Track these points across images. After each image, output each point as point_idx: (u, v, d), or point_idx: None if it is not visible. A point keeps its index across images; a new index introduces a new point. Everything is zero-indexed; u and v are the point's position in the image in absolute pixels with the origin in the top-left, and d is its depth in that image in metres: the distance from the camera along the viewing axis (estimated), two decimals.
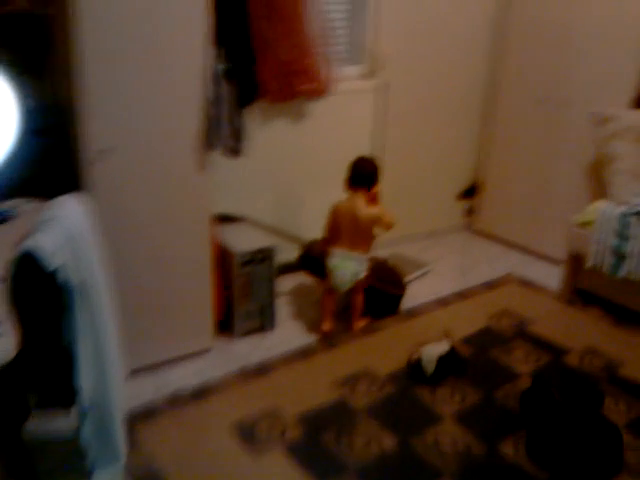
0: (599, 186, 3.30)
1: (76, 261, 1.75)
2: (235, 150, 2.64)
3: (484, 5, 3.80)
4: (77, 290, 1.76)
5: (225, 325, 2.83)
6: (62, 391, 1.92)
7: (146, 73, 2.20)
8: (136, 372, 2.49)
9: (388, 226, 2.86)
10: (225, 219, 2.92)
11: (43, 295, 1.65)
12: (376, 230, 2.87)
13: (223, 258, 2.75)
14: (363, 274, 2.85)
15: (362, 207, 2.78)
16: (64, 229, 1.68)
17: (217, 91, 2.43)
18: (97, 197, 2.17)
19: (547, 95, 3.65)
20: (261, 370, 2.58)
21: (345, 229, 2.82)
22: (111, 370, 1.95)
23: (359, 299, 2.94)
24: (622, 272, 2.97)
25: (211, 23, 2.32)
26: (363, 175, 2.80)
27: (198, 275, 2.56)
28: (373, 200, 2.84)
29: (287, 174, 3.28)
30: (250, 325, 2.84)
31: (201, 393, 2.43)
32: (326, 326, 2.90)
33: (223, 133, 2.48)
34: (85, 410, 1.81)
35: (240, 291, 2.75)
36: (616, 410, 2.42)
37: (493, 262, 3.79)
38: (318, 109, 3.25)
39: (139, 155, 2.28)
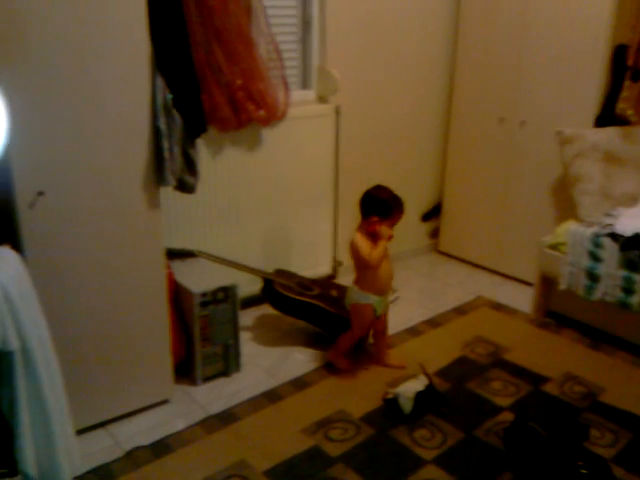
0: (565, 206, 3.24)
1: (15, 323, 1.56)
2: (189, 185, 2.45)
3: (436, 26, 3.73)
4: (16, 355, 1.58)
5: (185, 371, 2.62)
6: (3, 462, 1.74)
7: (83, 106, 2.00)
8: (89, 430, 2.27)
9: (363, 261, 2.57)
10: (176, 255, 2.72)
11: None
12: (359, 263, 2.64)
13: (180, 298, 2.55)
14: (348, 302, 2.70)
15: (354, 234, 2.63)
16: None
17: (168, 122, 2.25)
18: (35, 246, 1.97)
19: (507, 114, 3.59)
20: (226, 420, 2.38)
21: None
22: (58, 435, 1.77)
23: (347, 335, 2.75)
24: (596, 294, 2.89)
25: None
26: (361, 202, 2.64)
27: (152, 320, 2.35)
28: (370, 231, 2.58)
29: (242, 204, 3.11)
30: (212, 369, 2.63)
31: (161, 450, 2.22)
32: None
33: (175, 167, 2.29)
34: None
35: (200, 333, 2.54)
36: (603, 442, 2.32)
37: (462, 284, 3.69)
38: (272, 136, 3.10)
39: (80, 195, 2.07)
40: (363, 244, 2.57)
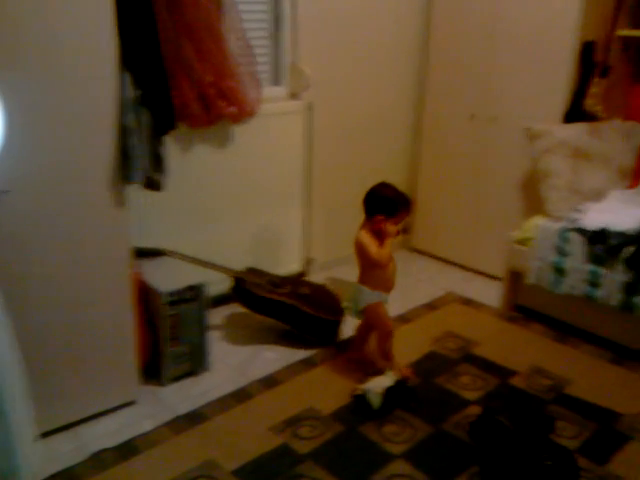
0: (534, 202, 3.27)
1: None
2: (157, 182, 2.43)
3: (408, 22, 3.74)
4: None
5: (152, 372, 2.60)
6: None
7: (48, 103, 1.96)
8: (53, 433, 2.24)
9: (372, 260, 2.51)
10: (144, 254, 2.69)
11: None
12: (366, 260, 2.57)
13: (147, 298, 2.53)
14: (361, 305, 2.60)
15: (358, 232, 2.58)
16: None
17: (135, 119, 2.22)
18: None
19: (478, 111, 3.61)
20: (194, 420, 2.36)
21: None
22: (18, 439, 1.74)
23: (378, 344, 2.69)
24: (562, 288, 2.93)
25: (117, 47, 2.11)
26: (365, 201, 2.58)
27: (118, 320, 2.32)
28: (375, 229, 2.53)
29: (212, 201, 3.09)
30: (180, 370, 2.61)
31: (128, 452, 2.19)
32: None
33: (143, 164, 2.26)
34: None
35: (167, 333, 2.52)
36: (568, 433, 2.35)
37: (433, 280, 3.70)
38: (243, 133, 3.08)
39: (45, 194, 2.03)
40: (370, 243, 2.51)
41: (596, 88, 3.26)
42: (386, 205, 2.50)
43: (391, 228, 2.51)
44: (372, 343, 2.78)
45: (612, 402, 2.54)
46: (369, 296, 2.58)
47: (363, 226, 2.57)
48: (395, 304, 3.35)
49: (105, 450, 2.19)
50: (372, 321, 2.66)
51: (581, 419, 2.43)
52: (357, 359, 2.78)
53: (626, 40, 3.39)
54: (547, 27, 3.22)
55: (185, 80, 2.73)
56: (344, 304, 2.79)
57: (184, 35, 2.69)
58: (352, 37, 3.50)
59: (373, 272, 2.57)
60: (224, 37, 2.82)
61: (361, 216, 3.85)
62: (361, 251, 2.55)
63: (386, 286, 2.62)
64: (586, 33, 3.18)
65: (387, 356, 2.68)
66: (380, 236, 2.52)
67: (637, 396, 2.59)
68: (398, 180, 4.03)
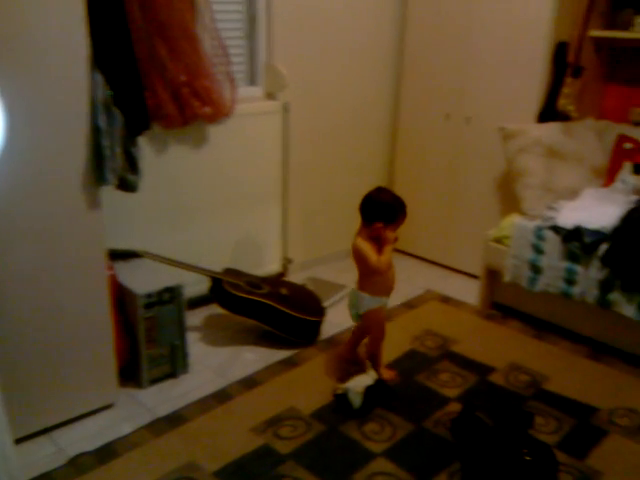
0: (510, 200, 3.30)
1: None
2: (131, 184, 2.40)
3: (384, 22, 3.76)
4: None
5: (130, 374, 2.57)
6: None
7: (18, 104, 1.92)
8: (30, 438, 2.20)
9: (371, 267, 2.46)
10: (119, 256, 2.66)
11: None
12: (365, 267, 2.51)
13: (124, 300, 2.50)
14: (361, 310, 2.57)
15: (356, 238, 2.52)
16: None
17: (108, 120, 2.19)
18: None
19: (453, 111, 3.64)
20: (174, 422, 2.34)
21: None
22: None
23: (370, 345, 2.67)
24: (539, 286, 2.97)
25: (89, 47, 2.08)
26: (362, 207, 2.50)
27: (95, 322, 2.28)
28: (373, 236, 2.48)
29: (189, 202, 3.06)
30: (159, 371, 2.58)
31: (106, 455, 2.16)
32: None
33: (116, 165, 2.24)
34: None
35: (145, 335, 2.49)
36: (547, 428, 2.38)
37: (411, 279, 3.72)
38: (219, 133, 3.06)
39: (17, 196, 1.99)
40: (369, 251, 2.46)
41: (569, 88, 3.31)
42: (385, 212, 2.45)
43: (390, 235, 2.47)
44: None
45: (589, 397, 2.57)
46: (368, 301, 2.55)
47: (360, 232, 2.52)
48: None
49: (83, 454, 2.15)
50: (370, 325, 2.63)
51: (559, 414, 2.46)
52: (348, 359, 2.77)
53: (598, 41, 3.45)
54: (521, 28, 3.26)
55: (159, 80, 2.71)
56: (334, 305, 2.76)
57: (157, 35, 2.67)
58: (328, 37, 3.50)
59: (373, 278, 2.52)
60: (198, 37, 2.80)
61: (340, 216, 3.89)
62: (360, 258, 2.50)
63: (386, 291, 2.60)
64: (559, 34, 3.23)
65: (376, 358, 2.68)
66: (378, 242, 2.48)
67: (613, 391, 2.63)
68: (375, 180, 4.07)
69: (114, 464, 2.12)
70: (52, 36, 1.95)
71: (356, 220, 3.97)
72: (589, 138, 3.36)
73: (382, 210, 2.45)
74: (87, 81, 2.07)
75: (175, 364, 2.62)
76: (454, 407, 2.47)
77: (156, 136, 2.82)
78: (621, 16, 3.38)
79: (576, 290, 2.85)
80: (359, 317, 2.61)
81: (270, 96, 3.36)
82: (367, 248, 2.47)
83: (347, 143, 3.80)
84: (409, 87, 3.86)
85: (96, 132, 2.14)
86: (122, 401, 2.45)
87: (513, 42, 3.30)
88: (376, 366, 2.66)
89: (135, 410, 2.41)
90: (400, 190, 4.03)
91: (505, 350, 2.93)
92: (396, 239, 2.50)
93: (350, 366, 2.71)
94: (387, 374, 2.66)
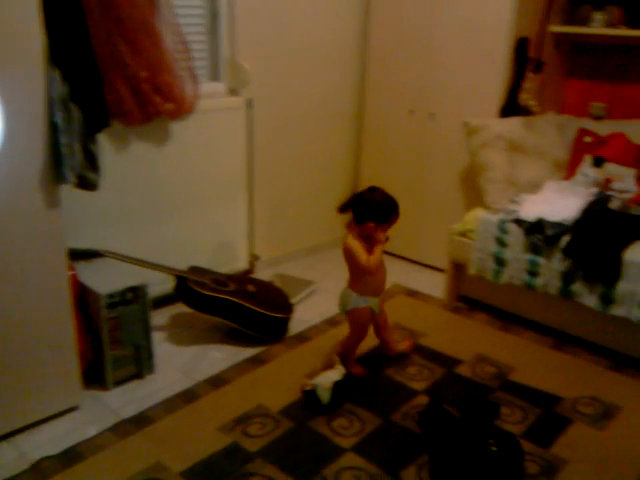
0: (474, 194, 3.34)
1: None
2: (91, 182, 2.36)
3: (348, 18, 3.76)
4: None
5: (94, 375, 2.52)
6: None
7: None
8: None
9: (361, 267, 2.45)
10: (80, 255, 2.60)
11: None
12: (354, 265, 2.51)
13: (86, 301, 2.45)
14: (347, 307, 2.58)
15: (346, 237, 2.50)
16: None
17: (66, 117, 2.14)
18: None
19: (417, 106, 3.66)
20: (139, 423, 2.30)
21: None
22: None
23: (347, 340, 2.68)
24: (503, 278, 3.01)
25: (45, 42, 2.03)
26: (354, 206, 2.47)
27: (56, 324, 2.23)
28: (363, 235, 2.46)
29: (152, 200, 3.02)
30: (124, 372, 2.54)
31: (71, 459, 2.11)
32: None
33: (75, 163, 2.19)
34: None
35: (109, 336, 2.45)
36: (513, 418, 2.41)
37: None
38: (181, 129, 3.02)
39: None
40: (359, 250, 2.44)
41: (530, 83, 3.36)
42: (377, 212, 2.42)
43: (381, 235, 2.45)
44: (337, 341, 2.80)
45: (554, 386, 2.61)
46: (354, 300, 2.55)
47: (350, 230, 2.50)
48: None
49: (47, 458, 2.10)
50: (352, 323, 2.63)
51: (525, 404, 2.50)
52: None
53: (558, 36, 3.51)
54: (482, 24, 3.29)
55: (119, 76, 2.66)
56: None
57: (117, 30, 2.62)
58: (292, 33, 3.49)
59: (362, 277, 2.51)
60: (159, 32, 2.76)
61: (307, 212, 3.89)
62: (350, 257, 2.49)
63: (375, 291, 2.58)
64: (520, 30, 3.27)
65: (349, 355, 2.67)
66: (369, 241, 2.47)
67: (577, 380, 2.68)
68: (340, 176, 4.08)
69: (79, 468, 2.08)
70: (5, 31, 1.89)
71: (322, 217, 3.99)
72: (550, 132, 3.42)
73: (374, 210, 2.42)
74: (43, 77, 2.02)
75: (140, 364, 2.58)
76: (422, 400, 2.48)
77: (117, 133, 2.77)
78: (580, 12, 3.45)
79: (539, 282, 2.89)
80: (346, 313, 2.62)
81: (233, 92, 3.33)
82: (357, 247, 2.45)
83: (313, 139, 3.80)
84: (374, 83, 3.87)
85: (54, 129, 2.09)
86: (86, 403, 2.41)
87: (475, 38, 3.34)
88: (346, 362, 2.65)
89: (100, 412, 2.37)
90: (366, 185, 4.03)
91: (471, 342, 2.96)
92: (387, 239, 2.48)
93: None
94: (356, 370, 2.66)
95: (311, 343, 2.92)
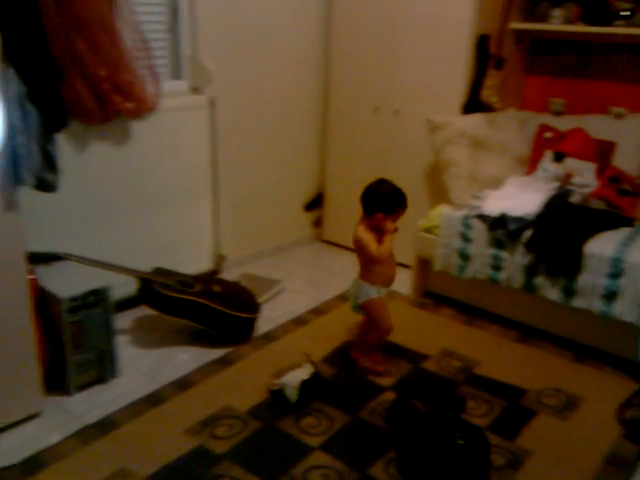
0: (438, 191, 3.36)
1: None
2: (50, 183, 2.30)
3: (310, 16, 3.76)
4: None
5: (57, 381, 2.47)
6: None
7: None
8: None
9: (371, 257, 2.53)
10: (40, 259, 2.54)
11: None
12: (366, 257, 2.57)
13: (47, 305, 2.39)
14: (361, 300, 2.63)
15: (357, 229, 2.57)
16: None
17: (23, 117, 2.09)
18: None
19: (382, 104, 3.67)
20: (104, 428, 2.26)
21: None
22: None
23: (369, 332, 2.72)
24: (468, 273, 3.04)
25: None
26: (363, 198, 2.56)
27: (16, 329, 2.18)
28: (373, 226, 2.54)
29: (114, 201, 2.97)
30: (87, 377, 2.49)
31: (33, 467, 2.06)
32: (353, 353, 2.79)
33: (32, 164, 2.14)
34: None
35: (71, 340, 2.40)
36: (479, 412, 2.43)
37: (346, 272, 3.73)
38: (143, 129, 2.98)
39: None
40: (369, 240, 2.52)
41: (492, 80, 3.40)
42: (385, 203, 2.51)
43: (390, 225, 2.53)
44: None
45: (519, 379, 2.65)
46: (367, 290, 2.61)
47: (361, 222, 2.58)
48: (309, 297, 3.38)
49: (8, 467, 2.05)
50: (371, 316, 2.67)
51: (490, 397, 2.53)
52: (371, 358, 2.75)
53: (518, 33, 3.56)
54: (444, 22, 3.31)
55: (78, 75, 2.60)
56: None
57: (74, 28, 2.56)
58: (254, 30, 3.46)
59: (373, 267, 2.59)
60: (118, 30, 2.71)
61: (273, 210, 3.87)
62: (360, 248, 2.56)
63: (386, 281, 2.64)
64: (481, 27, 3.30)
65: (371, 351, 2.72)
66: (379, 232, 2.54)
67: (541, 372, 2.72)
68: (306, 173, 4.08)
69: (41, 476, 2.03)
70: None
71: (288, 215, 3.98)
72: (512, 128, 3.46)
73: (382, 201, 2.52)
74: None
75: (104, 369, 2.54)
76: (389, 396, 2.50)
77: (76, 133, 2.72)
78: (539, 9, 3.50)
79: (503, 276, 2.93)
80: (358, 308, 2.67)
81: (196, 90, 3.30)
82: (368, 238, 2.53)
83: (277, 137, 3.78)
84: (338, 81, 3.87)
85: (10, 130, 2.04)
86: (48, 410, 2.35)
87: (437, 36, 3.36)
88: (366, 352, 2.72)
89: (63, 418, 2.32)
90: (332, 182, 4.06)
91: (437, 337, 2.98)
92: (396, 229, 2.57)
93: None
94: (376, 369, 2.70)
95: (278, 342, 2.91)
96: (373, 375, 2.66)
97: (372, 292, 2.61)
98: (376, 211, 2.52)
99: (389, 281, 2.67)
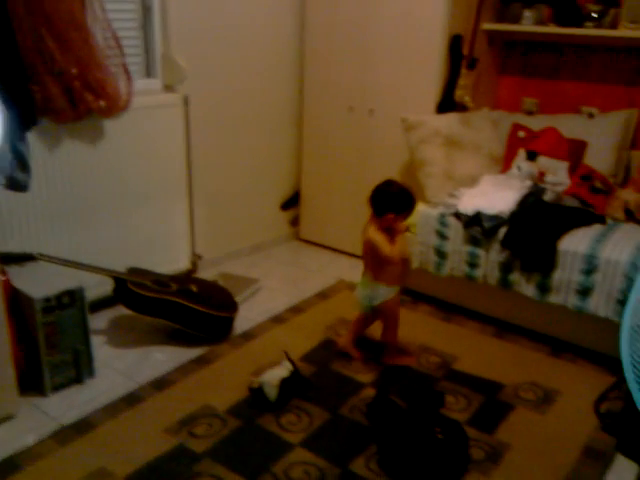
0: (414, 189, 3.36)
1: None
2: (21, 183, 2.26)
3: (284, 15, 3.75)
4: None
5: (32, 382, 2.42)
6: None
7: None
8: None
9: (385, 258, 2.54)
10: (12, 259, 2.49)
11: None
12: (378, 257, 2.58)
13: (21, 306, 2.34)
14: (377, 301, 2.65)
15: (367, 230, 2.58)
16: None
17: None
18: None
19: (356, 103, 3.68)
20: (81, 429, 2.22)
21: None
22: None
23: (387, 332, 2.76)
24: (445, 270, 3.06)
25: None
26: (373, 199, 2.58)
27: None
28: (384, 227, 2.55)
29: (87, 201, 2.92)
30: (62, 378, 2.45)
31: (8, 469, 2.02)
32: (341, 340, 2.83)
33: (4, 164, 2.10)
34: None
35: (46, 341, 2.35)
36: (457, 407, 2.45)
37: (324, 270, 3.74)
38: (115, 127, 2.94)
39: None
40: (382, 242, 2.53)
41: (465, 80, 3.43)
42: (395, 203, 2.53)
43: (401, 225, 2.57)
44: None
45: (496, 374, 2.68)
46: (384, 291, 2.63)
47: (371, 223, 2.59)
48: (287, 296, 3.37)
49: None
50: (388, 315, 2.70)
51: (469, 392, 2.55)
52: (347, 349, 2.79)
53: (491, 33, 3.60)
54: (417, 22, 3.34)
55: (47, 73, 2.55)
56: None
57: (44, 26, 2.52)
58: (228, 28, 3.44)
59: (386, 268, 2.60)
60: (88, 27, 2.67)
61: (249, 209, 3.86)
62: (373, 249, 2.56)
63: (401, 278, 2.68)
64: (454, 27, 3.33)
65: (394, 345, 2.78)
66: (390, 233, 2.56)
67: (518, 366, 2.76)
68: (282, 172, 4.07)
69: (17, 477, 1.99)
70: None
71: (264, 214, 3.96)
72: (485, 127, 3.50)
73: (392, 201, 2.54)
74: None
75: (80, 369, 2.49)
76: (369, 392, 2.50)
77: (47, 131, 2.67)
78: (510, 10, 3.54)
79: (479, 273, 2.96)
80: (372, 309, 2.68)
81: (169, 88, 3.27)
82: (380, 239, 2.54)
83: (252, 136, 3.77)
84: (312, 80, 3.87)
85: None
86: (24, 411, 2.31)
87: (411, 36, 3.38)
88: (393, 352, 2.76)
89: (38, 419, 2.28)
90: (308, 181, 4.06)
91: (416, 334, 3.00)
92: (407, 229, 2.61)
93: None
94: (406, 360, 2.75)
95: (257, 341, 2.89)
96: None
97: (389, 293, 2.65)
98: (387, 212, 2.53)
99: (403, 279, 2.71)
